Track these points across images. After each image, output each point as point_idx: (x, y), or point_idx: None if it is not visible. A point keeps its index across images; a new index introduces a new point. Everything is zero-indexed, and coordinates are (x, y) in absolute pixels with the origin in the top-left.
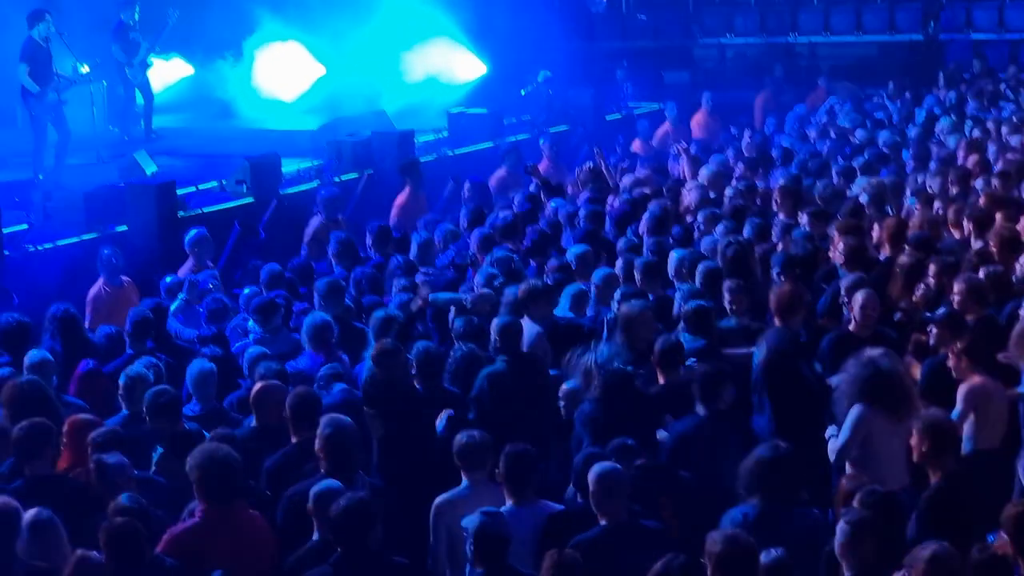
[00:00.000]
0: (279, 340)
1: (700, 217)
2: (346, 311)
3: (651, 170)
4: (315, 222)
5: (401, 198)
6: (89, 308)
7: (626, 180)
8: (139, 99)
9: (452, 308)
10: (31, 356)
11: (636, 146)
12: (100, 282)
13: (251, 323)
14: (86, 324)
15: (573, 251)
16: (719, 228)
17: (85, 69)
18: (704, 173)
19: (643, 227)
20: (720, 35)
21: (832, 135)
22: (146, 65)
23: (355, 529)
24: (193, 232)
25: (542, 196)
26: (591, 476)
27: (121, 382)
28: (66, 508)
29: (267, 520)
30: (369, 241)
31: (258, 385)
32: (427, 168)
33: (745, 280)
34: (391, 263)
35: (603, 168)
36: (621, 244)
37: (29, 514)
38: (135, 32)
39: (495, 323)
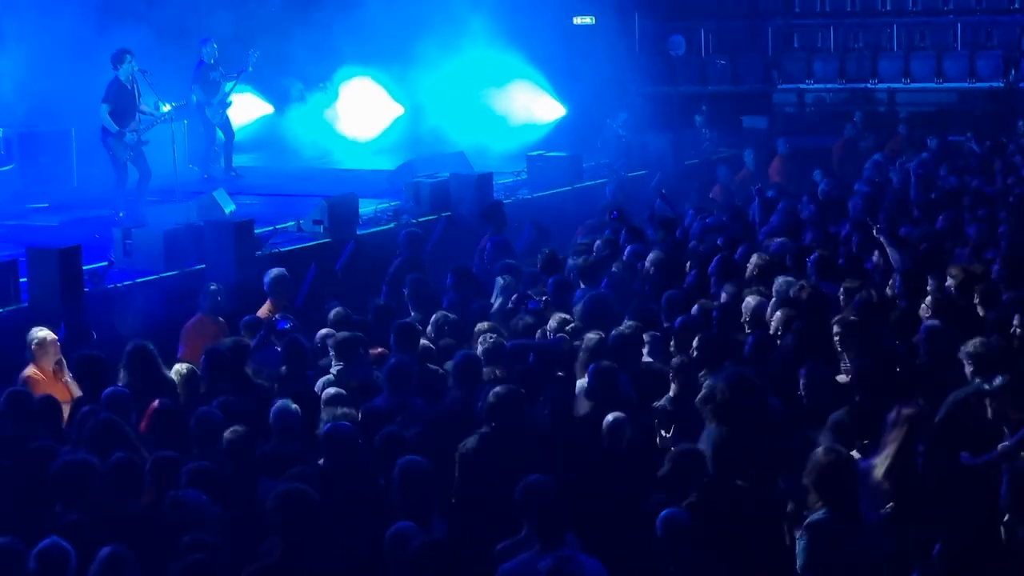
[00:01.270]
0: (355, 378)
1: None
2: (423, 353)
3: (728, 216)
4: (395, 263)
5: (483, 241)
6: (183, 341)
7: (697, 226)
8: (220, 137)
9: (531, 352)
10: (107, 392)
11: (715, 192)
12: (198, 316)
13: (328, 362)
14: (178, 357)
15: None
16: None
17: (166, 108)
18: (777, 219)
19: (714, 271)
20: (799, 81)
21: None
22: (226, 104)
23: (428, 571)
24: (272, 272)
25: (620, 240)
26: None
27: (193, 421)
28: (143, 544)
29: (344, 560)
30: (449, 283)
31: (330, 425)
32: (507, 210)
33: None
34: (472, 306)
35: (672, 214)
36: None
37: (105, 551)
38: (215, 71)
39: (594, 368)
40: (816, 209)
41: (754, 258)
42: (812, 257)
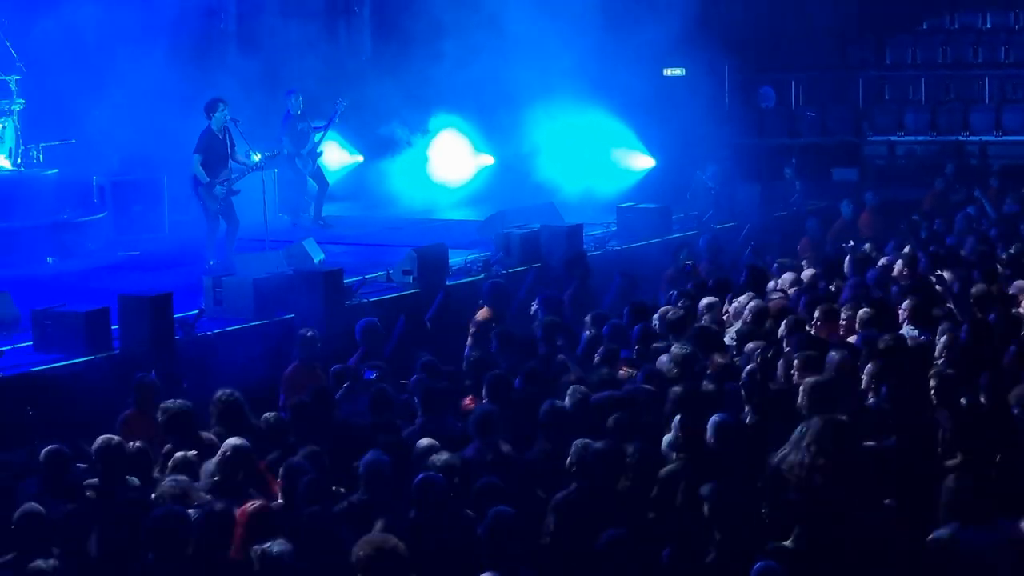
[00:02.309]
0: (443, 429)
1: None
2: (511, 403)
3: (821, 269)
4: (481, 314)
5: (569, 292)
6: (284, 387)
7: (787, 277)
8: (312, 187)
9: (617, 405)
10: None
11: (803, 244)
12: (295, 364)
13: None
14: (280, 405)
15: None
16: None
17: (257, 157)
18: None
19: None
20: (890, 133)
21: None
22: (316, 154)
23: None
24: (363, 321)
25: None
26: None
27: (281, 471)
28: None
29: None
30: (539, 334)
31: (422, 476)
32: (594, 262)
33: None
34: (559, 357)
35: (762, 265)
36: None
37: None
38: (302, 123)
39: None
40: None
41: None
42: (906, 304)
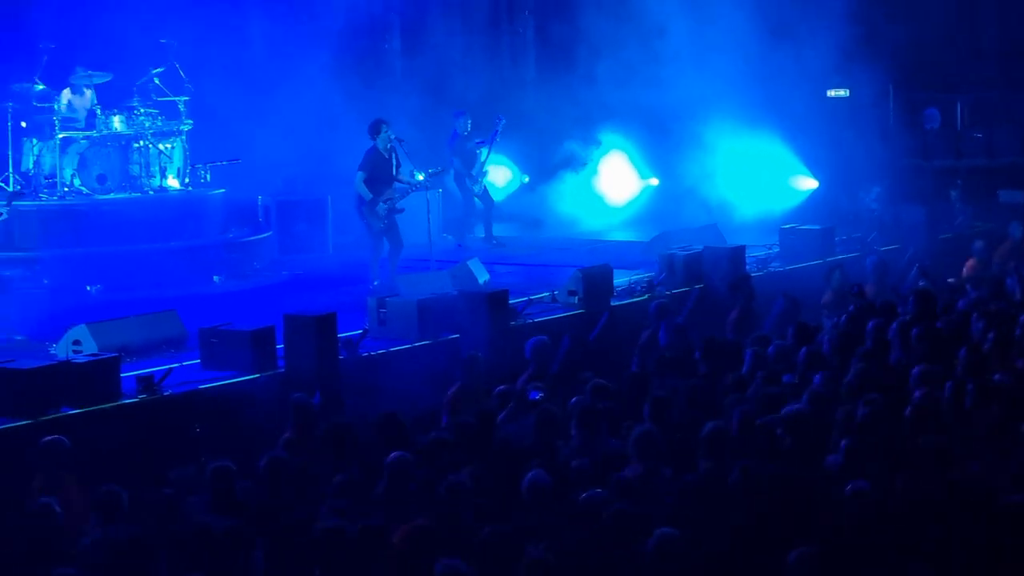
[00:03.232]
0: (601, 448)
1: None
2: (672, 424)
3: (988, 292)
4: (644, 335)
5: (733, 314)
6: (446, 408)
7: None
8: (478, 206)
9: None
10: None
11: (969, 266)
12: (458, 384)
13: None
14: (442, 426)
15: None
16: None
17: (421, 177)
18: None
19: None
20: None
21: None
22: (483, 173)
23: None
24: (534, 339)
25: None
26: None
27: (443, 490)
28: None
29: None
30: (699, 355)
31: (586, 496)
32: (757, 283)
33: None
34: (723, 378)
35: (931, 288)
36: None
37: None
38: (470, 142)
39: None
40: None
41: None
42: None
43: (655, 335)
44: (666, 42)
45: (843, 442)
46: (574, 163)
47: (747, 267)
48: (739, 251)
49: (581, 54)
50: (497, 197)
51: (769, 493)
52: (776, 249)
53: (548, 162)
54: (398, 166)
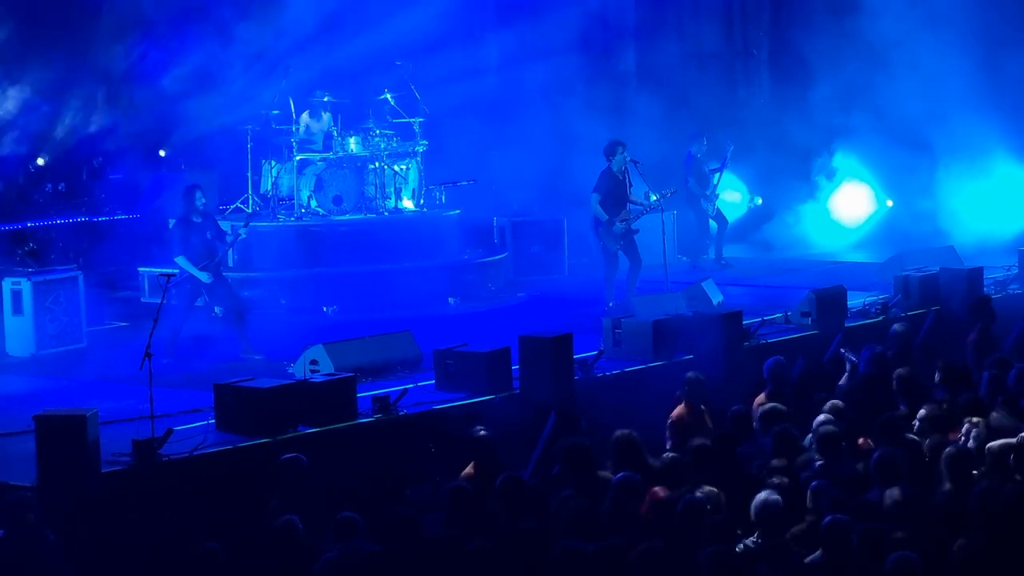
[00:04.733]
0: (839, 471)
1: None
2: (911, 448)
3: None
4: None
5: (972, 336)
6: (670, 431)
7: None
8: (713, 227)
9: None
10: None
11: None
12: (680, 406)
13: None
14: (667, 447)
15: None
16: None
17: (655, 198)
18: None
19: None
20: None
21: None
22: (716, 195)
23: None
24: (771, 360)
25: None
26: None
27: (678, 509)
28: None
29: None
30: (937, 378)
31: (827, 519)
32: (995, 306)
33: None
34: (960, 400)
35: None
36: None
37: None
38: (707, 165)
39: None
40: None
41: None
42: None
43: (895, 358)
44: (899, 60)
45: None
46: (810, 188)
47: (985, 289)
48: (977, 272)
49: (817, 76)
50: (731, 217)
51: (1008, 517)
52: (1015, 271)
53: (784, 184)
54: (631, 187)
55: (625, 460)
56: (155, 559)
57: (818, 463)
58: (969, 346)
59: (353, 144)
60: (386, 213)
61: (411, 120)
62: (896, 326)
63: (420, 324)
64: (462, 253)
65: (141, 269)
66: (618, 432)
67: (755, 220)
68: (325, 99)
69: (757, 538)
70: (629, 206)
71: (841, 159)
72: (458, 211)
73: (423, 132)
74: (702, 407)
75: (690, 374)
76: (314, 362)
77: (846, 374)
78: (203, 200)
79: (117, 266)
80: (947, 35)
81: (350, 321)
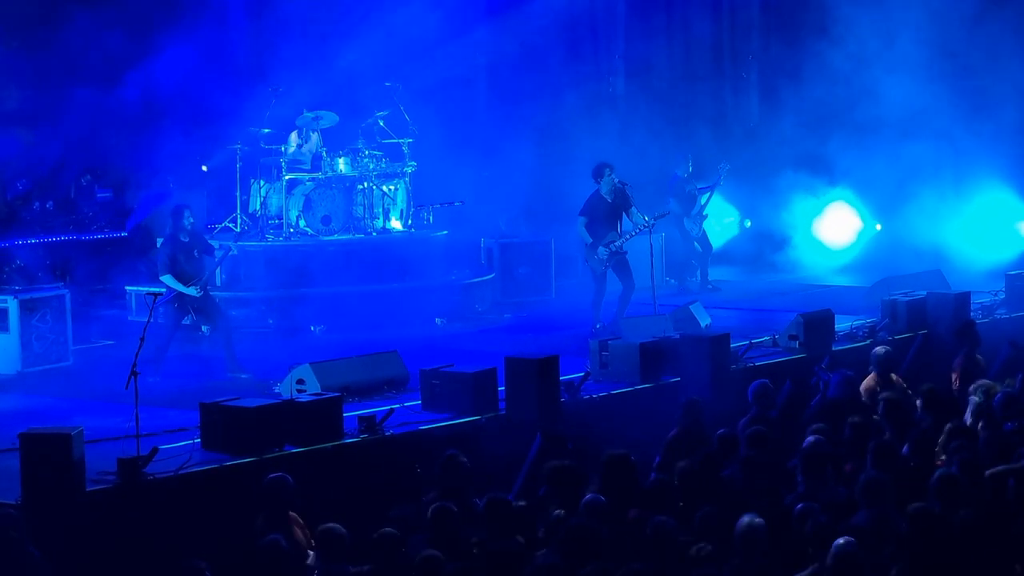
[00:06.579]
0: (823, 495)
1: None
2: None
3: None
4: (869, 380)
5: (957, 361)
6: (663, 451)
7: None
8: (697, 249)
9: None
10: (585, 500)
11: None
12: (678, 429)
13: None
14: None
15: None
16: None
17: (646, 219)
18: None
19: None
20: None
21: None
22: (702, 217)
23: None
24: (756, 383)
25: None
26: None
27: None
28: None
29: None
30: (920, 403)
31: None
32: (982, 330)
33: None
34: (944, 427)
35: None
36: None
37: None
38: (690, 184)
39: None
40: None
41: None
42: None
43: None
44: (886, 96)
45: None
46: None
47: (972, 314)
48: (964, 297)
49: (806, 101)
50: (718, 241)
51: (995, 542)
52: (1002, 295)
53: (770, 207)
54: (627, 208)
55: (616, 479)
56: None
57: (802, 487)
58: (954, 370)
59: (342, 164)
60: (374, 233)
61: (400, 141)
62: (877, 348)
63: (407, 344)
64: (449, 274)
65: (128, 288)
66: (611, 451)
67: (744, 242)
68: (314, 119)
69: (740, 565)
70: (620, 228)
71: (829, 182)
72: (446, 232)
73: (412, 153)
74: (699, 430)
75: (688, 398)
76: (301, 381)
77: (819, 395)
78: (191, 220)
79: (104, 284)
80: (936, 61)
81: (337, 341)
